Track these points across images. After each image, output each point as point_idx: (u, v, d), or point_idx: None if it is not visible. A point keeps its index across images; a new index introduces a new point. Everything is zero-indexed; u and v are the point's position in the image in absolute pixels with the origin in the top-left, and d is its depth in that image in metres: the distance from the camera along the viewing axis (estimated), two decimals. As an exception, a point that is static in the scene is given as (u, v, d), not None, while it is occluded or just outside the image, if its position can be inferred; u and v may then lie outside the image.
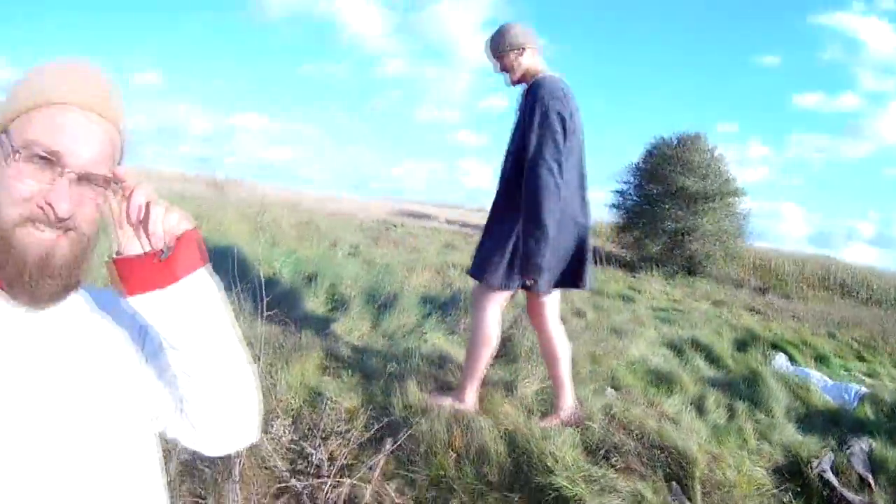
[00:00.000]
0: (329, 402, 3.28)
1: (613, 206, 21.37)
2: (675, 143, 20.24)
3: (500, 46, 3.42)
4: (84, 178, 0.90)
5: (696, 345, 6.29)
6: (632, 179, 21.21)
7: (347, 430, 3.00)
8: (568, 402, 3.40)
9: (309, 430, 3.01)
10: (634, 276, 14.56)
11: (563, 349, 3.45)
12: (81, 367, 0.97)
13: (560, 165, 3.12)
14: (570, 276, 3.40)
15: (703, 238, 18.84)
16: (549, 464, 2.73)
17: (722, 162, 20.14)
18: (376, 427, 2.98)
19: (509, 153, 3.36)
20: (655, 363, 5.04)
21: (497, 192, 3.46)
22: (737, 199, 19.98)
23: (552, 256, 3.20)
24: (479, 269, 3.40)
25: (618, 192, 21.35)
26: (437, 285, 7.02)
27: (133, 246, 0.94)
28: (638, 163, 21.14)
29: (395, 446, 2.83)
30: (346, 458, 2.78)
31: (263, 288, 3.65)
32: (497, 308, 3.44)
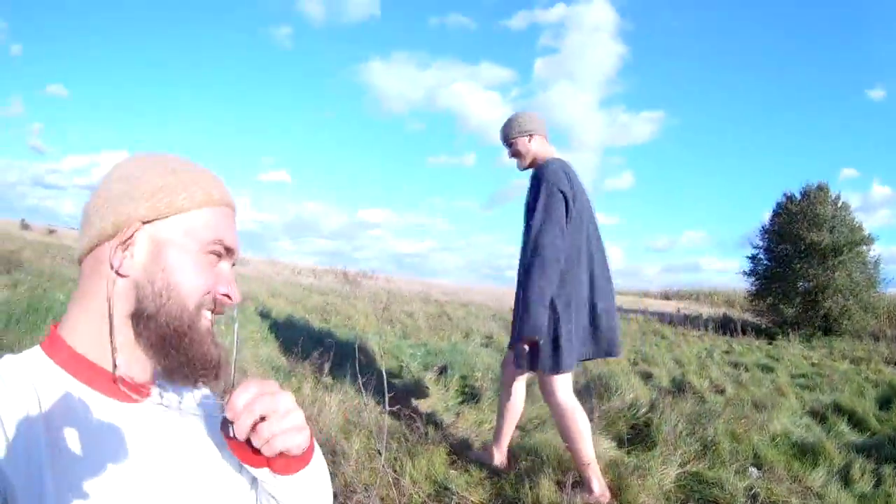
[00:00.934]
0: (456, 496, 3.18)
1: (745, 273, 21.42)
2: (800, 198, 20.23)
3: (511, 133, 3.68)
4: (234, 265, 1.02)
5: (839, 409, 6.03)
6: (761, 243, 21.24)
7: None
8: (599, 487, 3.31)
9: (434, 526, 2.91)
10: (772, 344, 14.29)
11: (584, 424, 3.41)
12: (195, 463, 0.98)
13: (562, 239, 3.33)
14: (600, 350, 3.53)
15: (836, 294, 18.51)
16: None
17: (847, 211, 19.94)
18: None
19: (525, 234, 3.50)
20: (798, 435, 4.83)
21: (519, 272, 3.54)
22: (866, 247, 19.62)
23: (572, 336, 3.38)
24: (517, 353, 3.48)
25: (750, 257, 21.43)
26: (573, 373, 6.76)
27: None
28: (766, 224, 21.20)
29: None
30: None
31: (385, 381, 3.62)
32: (522, 379, 3.78)
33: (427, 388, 5.41)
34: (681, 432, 4.25)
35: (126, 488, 0.85)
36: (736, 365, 9.31)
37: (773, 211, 20.97)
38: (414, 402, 4.92)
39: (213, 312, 0.96)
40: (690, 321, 16.42)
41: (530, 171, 3.66)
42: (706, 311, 22.61)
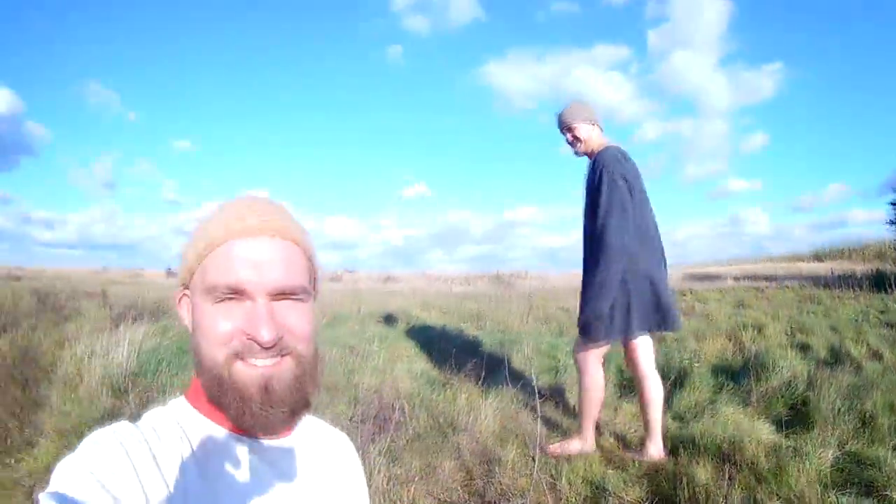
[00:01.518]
0: (612, 496, 3.17)
1: (891, 221, 20.37)
2: None
3: (574, 119, 3.89)
4: (277, 297, 0.91)
5: None
6: None
7: None
8: (654, 448, 3.72)
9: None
10: None
11: (656, 392, 3.81)
12: (325, 499, 1.01)
13: (627, 225, 3.64)
14: (656, 323, 3.80)
15: None
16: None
17: None
18: None
19: (586, 217, 3.86)
20: None
21: (584, 255, 3.90)
22: None
23: (636, 306, 3.72)
24: (582, 325, 3.85)
25: (892, 203, 20.21)
26: (729, 352, 6.67)
27: None
28: None
29: None
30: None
31: (536, 387, 3.74)
32: (596, 360, 3.93)
33: None
34: (838, 409, 4.06)
35: None
36: (893, 325, 8.68)
37: None
38: (572, 401, 4.91)
39: (261, 356, 0.90)
40: (844, 281, 15.42)
41: (585, 157, 3.96)
42: (859, 268, 21.17)
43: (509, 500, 3.10)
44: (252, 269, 0.90)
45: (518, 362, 6.15)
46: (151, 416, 0.94)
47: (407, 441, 3.84)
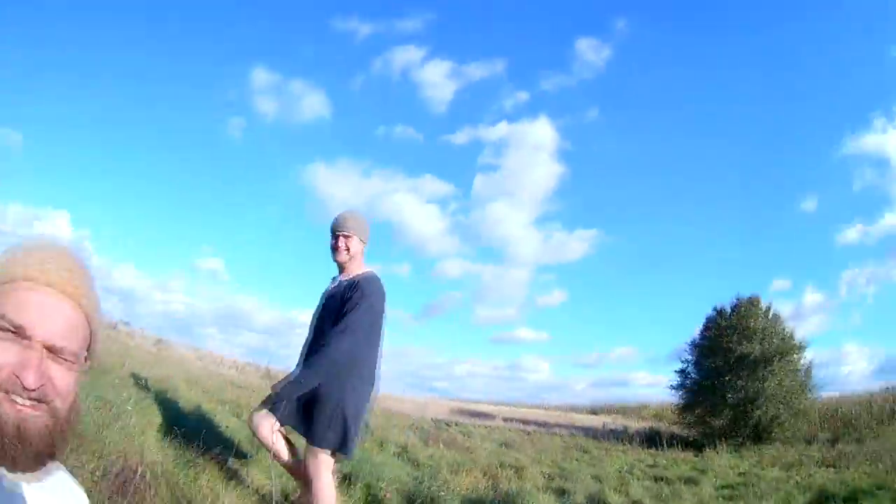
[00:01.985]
0: None
1: (674, 387, 21.68)
2: (731, 312, 20.78)
3: (355, 229, 4.02)
4: (52, 351, 0.96)
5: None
6: (690, 357, 21.61)
7: None
8: None
9: None
10: (699, 455, 14.43)
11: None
12: None
13: (361, 350, 3.82)
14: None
15: (767, 403, 18.82)
16: None
17: (779, 321, 20.62)
18: None
19: (321, 323, 3.97)
20: None
21: (301, 359, 4.07)
22: (797, 355, 20.15)
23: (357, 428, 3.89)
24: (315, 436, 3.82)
25: (678, 371, 21.72)
26: (482, 487, 6.74)
27: None
28: (695, 339, 21.65)
29: None
30: None
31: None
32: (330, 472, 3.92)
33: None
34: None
35: None
36: (658, 479, 9.25)
37: (703, 325, 21.55)
38: None
39: (29, 397, 0.94)
40: (616, 435, 16.51)
41: (344, 273, 4.04)
42: (634, 424, 22.79)
43: None
44: (39, 318, 0.96)
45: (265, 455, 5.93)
46: None
47: None
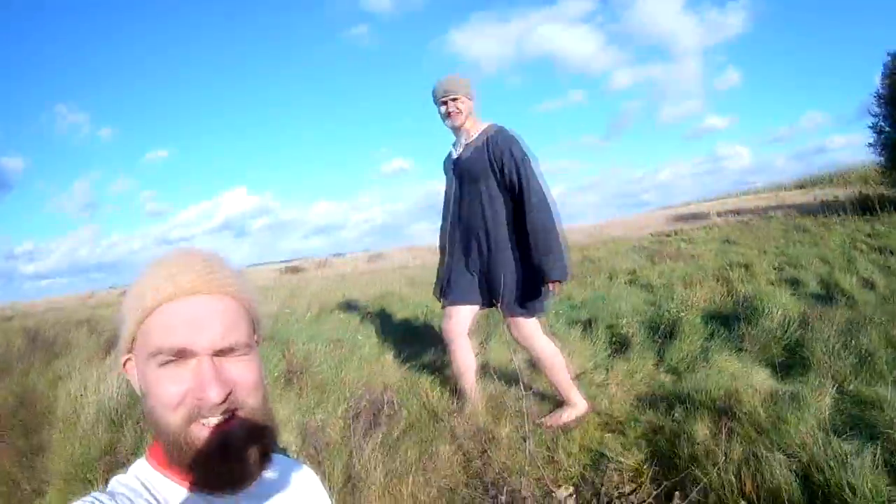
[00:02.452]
0: (611, 462, 3.18)
1: (871, 144, 19.90)
2: None
3: (461, 90, 3.88)
4: (221, 354, 0.94)
5: None
6: (879, 109, 19.45)
7: (633, 491, 2.85)
8: (578, 400, 3.86)
9: (593, 496, 2.92)
10: None
11: (555, 356, 3.88)
12: None
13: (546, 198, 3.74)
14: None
15: None
16: (847, 498, 2.40)
17: None
18: (664, 484, 2.76)
19: (488, 193, 3.85)
20: None
21: (486, 230, 3.88)
22: None
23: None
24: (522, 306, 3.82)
25: (871, 127, 19.73)
26: (718, 296, 6.66)
27: None
28: (879, 89, 19.34)
29: (685, 502, 2.60)
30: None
31: (519, 366, 3.84)
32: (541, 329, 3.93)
33: (575, 348, 5.25)
34: (834, 347, 4.03)
35: None
36: (882, 250, 8.74)
37: (882, 73, 19.16)
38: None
39: (216, 413, 0.92)
40: (829, 207, 15.56)
41: (466, 135, 3.93)
42: (842, 192, 21.31)
43: (508, 479, 3.08)
44: (191, 330, 0.92)
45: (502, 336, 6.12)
46: (119, 482, 0.95)
47: (401, 432, 3.83)
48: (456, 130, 3.97)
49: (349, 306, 9.36)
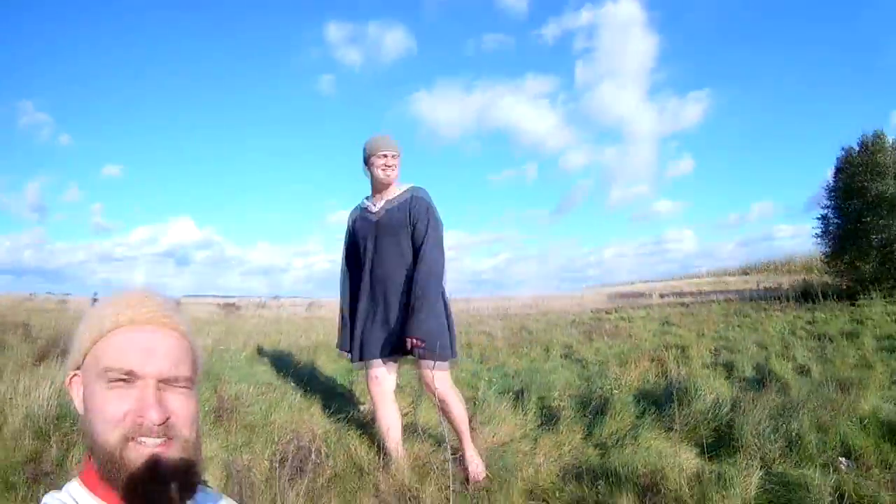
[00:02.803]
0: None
1: (818, 235, 21.23)
2: (859, 149, 19.85)
3: (399, 150, 4.12)
4: (165, 383, 1.00)
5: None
6: (829, 202, 20.96)
7: None
8: (476, 455, 4.03)
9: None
10: (855, 305, 14.04)
11: (464, 408, 4.11)
12: None
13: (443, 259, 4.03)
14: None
15: None
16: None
17: None
18: None
19: (386, 245, 4.05)
20: (886, 412, 4.57)
21: (394, 290, 4.04)
22: None
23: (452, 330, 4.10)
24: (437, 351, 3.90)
25: (819, 218, 21.21)
26: (652, 376, 6.73)
27: None
28: (830, 182, 20.88)
29: None
30: None
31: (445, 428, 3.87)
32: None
33: (505, 415, 5.26)
34: (764, 430, 4.07)
35: None
36: (820, 337, 9.03)
37: (835, 167, 20.65)
38: (493, 432, 4.82)
39: (157, 436, 0.97)
40: (771, 294, 16.16)
41: (387, 191, 4.13)
42: (786, 280, 22.10)
43: None
44: (143, 356, 0.99)
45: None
46: (53, 498, 0.98)
47: (326, 482, 3.80)
48: (383, 187, 4.12)
49: (283, 351, 9.29)
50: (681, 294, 20.99)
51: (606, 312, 14.93)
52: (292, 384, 6.38)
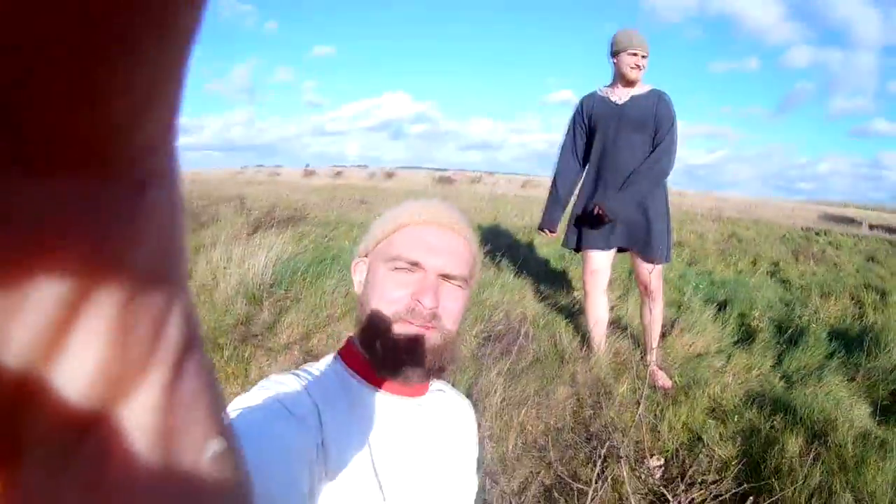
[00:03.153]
0: (705, 448, 3.40)
1: None
2: None
3: (647, 49, 4.04)
4: (444, 277, 1.10)
5: None
6: None
7: (714, 482, 3.06)
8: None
9: (678, 474, 3.17)
10: None
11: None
12: (443, 456, 1.15)
13: None
14: None
15: None
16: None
17: None
18: (744, 484, 2.97)
19: (647, 144, 4.08)
20: None
21: (623, 174, 4.10)
22: None
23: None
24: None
25: None
26: (850, 316, 6.39)
27: None
28: None
29: None
30: (704, 510, 2.83)
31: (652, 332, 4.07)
32: None
33: (706, 325, 5.34)
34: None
35: (394, 469, 1.02)
36: None
37: None
38: (690, 341, 5.00)
39: (424, 318, 1.07)
40: None
41: (633, 87, 4.12)
42: None
43: (611, 435, 3.32)
44: (430, 251, 1.09)
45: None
46: (310, 367, 1.12)
47: (527, 364, 4.05)
48: (628, 83, 4.14)
49: (499, 229, 9.56)
50: (891, 230, 18.60)
51: (816, 234, 13.99)
52: (506, 264, 6.70)
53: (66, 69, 0.13)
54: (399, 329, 1.06)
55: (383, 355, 1.07)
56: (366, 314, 1.10)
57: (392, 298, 1.07)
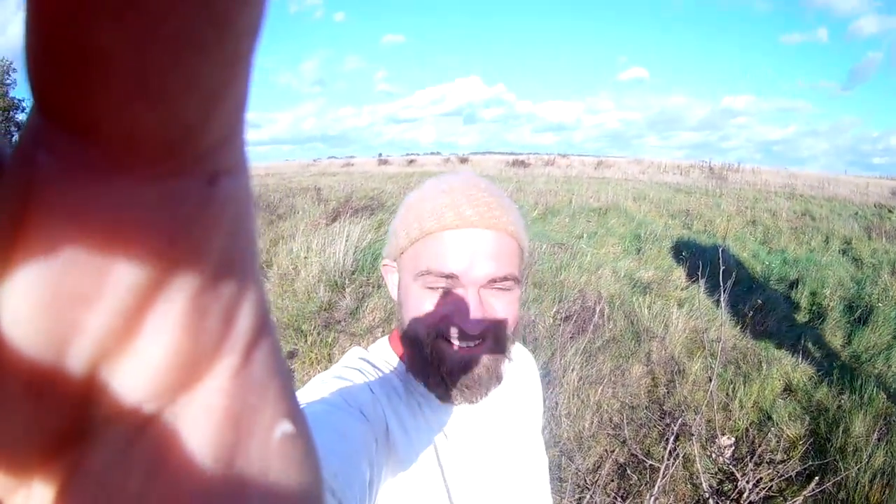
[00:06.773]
0: (774, 427, 3.32)
1: None
2: None
3: None
4: (487, 286, 0.87)
5: None
6: None
7: (782, 461, 3.00)
8: None
9: (748, 453, 3.10)
10: None
11: None
12: (512, 448, 1.01)
13: None
14: None
15: None
16: None
17: None
18: (810, 463, 2.91)
19: None
20: None
21: None
22: None
23: None
24: None
25: None
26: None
27: None
28: None
29: (817, 490, 2.70)
30: (770, 489, 2.79)
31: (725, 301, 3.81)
32: None
33: (778, 302, 5.28)
34: None
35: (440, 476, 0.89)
36: None
37: None
38: (763, 318, 4.82)
39: (467, 340, 0.87)
40: None
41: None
42: None
43: (684, 413, 3.30)
44: (465, 260, 0.86)
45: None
46: (371, 359, 0.98)
47: (603, 343, 4.02)
48: None
49: (574, 211, 9.41)
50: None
51: (889, 210, 13.20)
52: (583, 245, 6.62)
53: (134, 70, 0.14)
54: (444, 350, 0.87)
55: (433, 377, 0.89)
56: (403, 327, 0.93)
57: (428, 319, 0.87)
